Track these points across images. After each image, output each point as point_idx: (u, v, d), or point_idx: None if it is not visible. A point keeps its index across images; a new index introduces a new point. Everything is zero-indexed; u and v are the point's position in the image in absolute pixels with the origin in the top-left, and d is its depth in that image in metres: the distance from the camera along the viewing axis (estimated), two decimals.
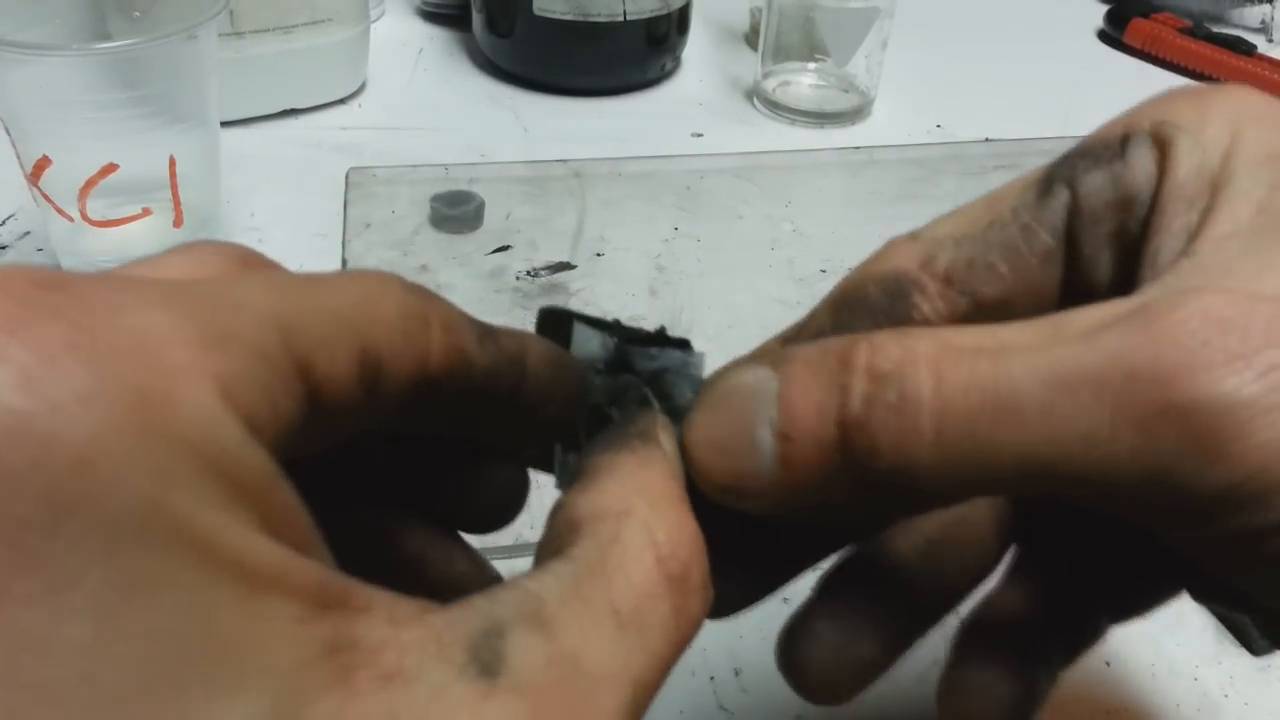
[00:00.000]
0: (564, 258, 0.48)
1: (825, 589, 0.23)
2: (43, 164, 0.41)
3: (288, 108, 0.58)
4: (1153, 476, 0.16)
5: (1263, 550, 0.16)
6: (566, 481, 0.21)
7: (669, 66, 0.66)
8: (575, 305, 0.46)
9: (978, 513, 0.23)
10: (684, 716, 0.31)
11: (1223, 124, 0.19)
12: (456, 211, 0.50)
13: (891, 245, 0.23)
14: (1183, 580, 0.23)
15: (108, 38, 0.45)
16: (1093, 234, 0.21)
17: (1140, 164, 0.20)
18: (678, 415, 0.21)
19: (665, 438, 0.20)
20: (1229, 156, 0.19)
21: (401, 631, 0.13)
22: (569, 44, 0.62)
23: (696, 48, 0.69)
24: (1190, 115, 0.20)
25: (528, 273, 0.47)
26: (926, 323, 0.22)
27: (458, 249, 0.48)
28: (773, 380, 0.18)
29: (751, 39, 0.70)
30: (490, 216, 0.50)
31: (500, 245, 0.49)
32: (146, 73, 0.41)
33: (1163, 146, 0.20)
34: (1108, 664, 0.33)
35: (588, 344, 0.23)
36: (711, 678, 0.32)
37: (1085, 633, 0.24)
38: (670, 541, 0.17)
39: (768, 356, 0.19)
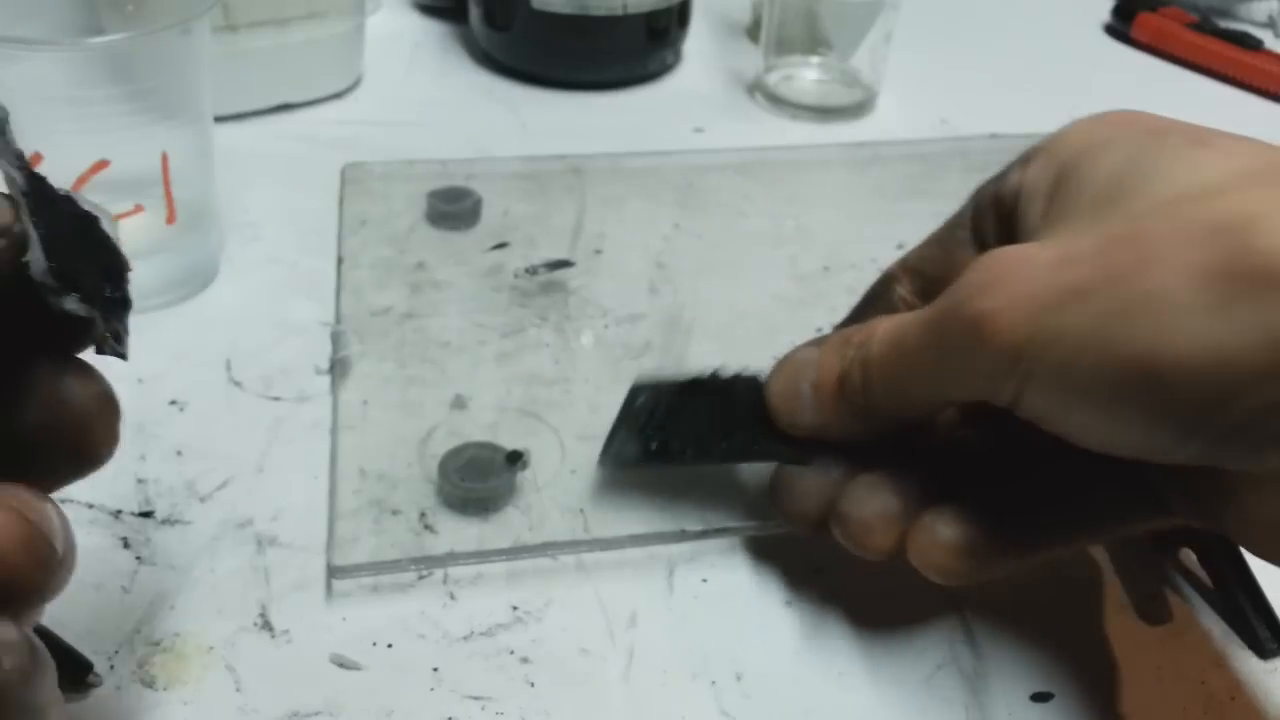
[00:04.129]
0: (563, 255, 0.47)
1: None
2: (34, 160, 0.41)
3: (282, 103, 0.57)
4: (969, 384, 0.26)
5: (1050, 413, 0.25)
6: None
7: (669, 61, 0.65)
8: (574, 303, 0.45)
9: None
10: None
11: (1081, 139, 0.28)
12: (453, 208, 0.49)
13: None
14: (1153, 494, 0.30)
15: (100, 32, 0.45)
16: (983, 223, 0.31)
17: (1011, 176, 0.30)
18: None
19: None
20: (1075, 162, 0.27)
21: None
22: (568, 38, 0.61)
23: (697, 41, 0.68)
24: (1065, 139, 0.28)
25: (526, 270, 0.46)
26: (903, 300, 0.33)
27: (455, 246, 0.48)
28: (815, 355, 0.31)
29: (753, 32, 0.70)
30: (488, 213, 0.50)
31: (498, 242, 0.48)
32: (139, 67, 0.40)
33: (1026, 164, 0.29)
34: (1115, 668, 0.33)
35: None
36: (713, 682, 0.31)
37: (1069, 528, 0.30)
38: None
39: (820, 341, 0.32)
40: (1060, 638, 0.33)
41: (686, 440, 0.34)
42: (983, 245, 0.30)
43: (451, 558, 0.34)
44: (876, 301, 0.34)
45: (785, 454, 0.33)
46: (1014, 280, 0.24)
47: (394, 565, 0.33)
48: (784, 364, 0.32)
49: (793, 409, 0.31)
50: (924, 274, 0.32)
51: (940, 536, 0.28)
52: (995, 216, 0.30)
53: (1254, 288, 0.21)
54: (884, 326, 0.29)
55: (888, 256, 0.36)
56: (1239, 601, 0.34)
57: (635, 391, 0.36)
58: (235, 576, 0.33)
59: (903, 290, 0.33)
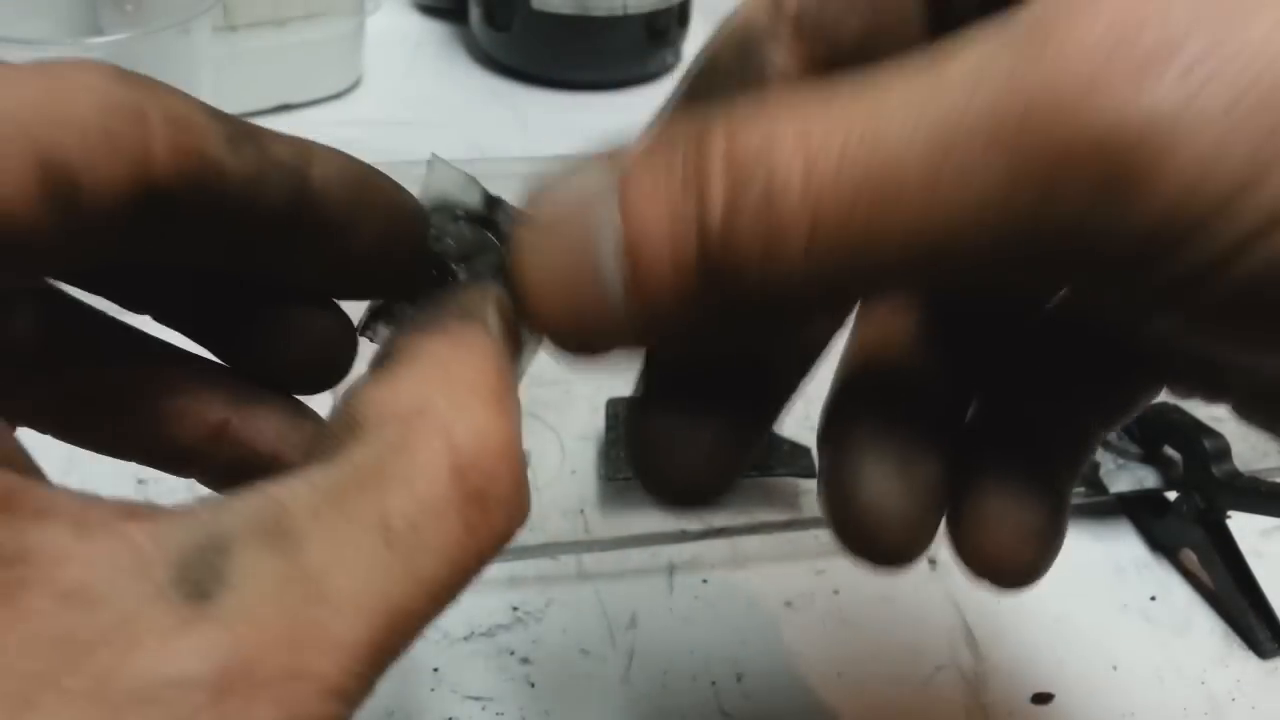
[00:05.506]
0: None
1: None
2: None
3: (282, 103, 0.57)
4: (1064, 235, 0.13)
5: (1210, 294, 0.13)
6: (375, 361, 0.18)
7: (670, 61, 0.65)
8: None
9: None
10: None
11: None
12: None
13: None
14: (1161, 371, 0.20)
15: (100, 32, 0.45)
16: None
17: None
18: None
19: (495, 318, 0.16)
20: None
21: (90, 542, 0.11)
22: (568, 38, 0.61)
23: (697, 41, 0.68)
24: None
25: None
26: (784, 79, 0.18)
27: None
28: (613, 186, 0.15)
29: None
30: None
31: None
32: (138, 67, 0.40)
33: None
34: (1115, 668, 0.33)
35: (445, 180, 0.19)
36: (713, 683, 0.31)
37: (1080, 446, 0.21)
38: (473, 448, 0.14)
39: (608, 156, 0.15)
40: (1060, 638, 0.33)
41: None
42: None
43: None
44: (729, 79, 0.18)
45: (797, 469, 0.35)
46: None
47: None
48: (545, 205, 0.16)
49: (579, 308, 0.15)
50: (826, 31, 0.18)
51: (1023, 522, 0.19)
52: None
53: None
54: (800, 127, 0.14)
55: None
56: (1239, 601, 0.34)
57: (613, 407, 0.37)
58: None
59: (783, 56, 0.18)
